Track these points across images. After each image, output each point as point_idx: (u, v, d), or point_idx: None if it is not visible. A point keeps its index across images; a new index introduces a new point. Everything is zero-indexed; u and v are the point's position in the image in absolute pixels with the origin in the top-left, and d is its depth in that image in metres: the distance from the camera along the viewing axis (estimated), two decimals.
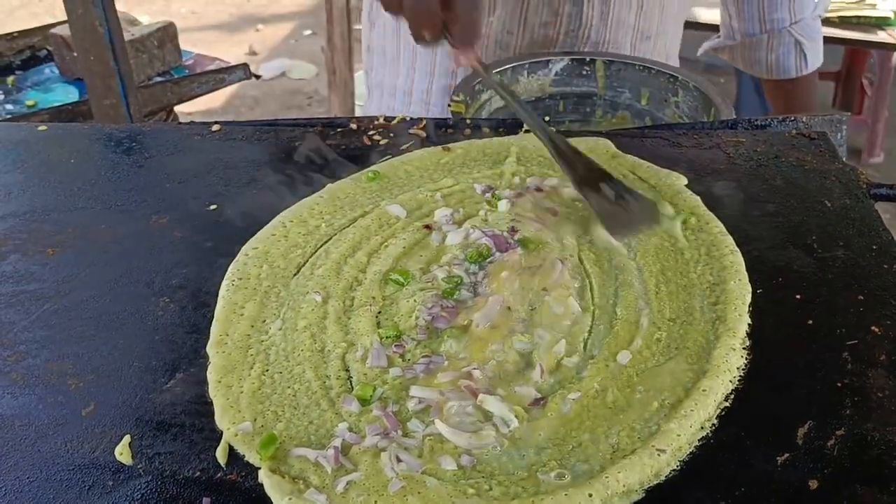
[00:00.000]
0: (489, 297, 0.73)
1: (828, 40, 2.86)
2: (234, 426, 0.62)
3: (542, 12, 1.32)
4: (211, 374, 0.67)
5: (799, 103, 1.55)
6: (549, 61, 1.30)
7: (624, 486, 0.56)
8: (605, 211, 0.81)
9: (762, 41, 1.51)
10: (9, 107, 2.01)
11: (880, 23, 2.74)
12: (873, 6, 2.78)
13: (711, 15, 2.64)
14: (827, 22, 2.79)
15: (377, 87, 1.51)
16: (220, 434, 0.62)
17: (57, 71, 2.18)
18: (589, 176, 0.83)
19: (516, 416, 0.62)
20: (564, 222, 0.84)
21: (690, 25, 2.89)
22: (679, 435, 0.59)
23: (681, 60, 1.51)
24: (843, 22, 2.77)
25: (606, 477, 0.56)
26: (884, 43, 2.76)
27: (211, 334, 0.71)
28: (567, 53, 1.32)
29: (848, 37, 2.77)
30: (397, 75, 1.46)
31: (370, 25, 1.51)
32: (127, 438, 0.61)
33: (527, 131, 1.02)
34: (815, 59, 1.53)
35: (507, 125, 1.04)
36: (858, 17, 2.74)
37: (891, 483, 0.56)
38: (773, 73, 1.53)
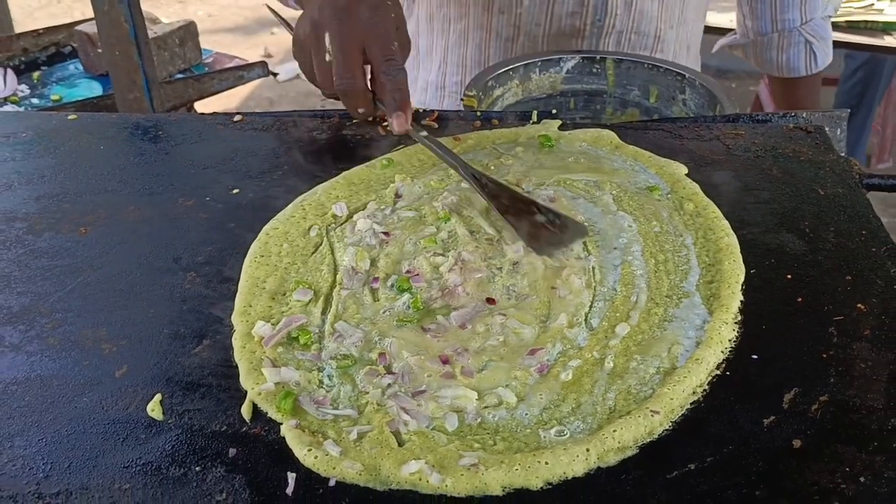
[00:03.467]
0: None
1: (835, 45, 2.89)
2: (257, 386, 0.66)
3: (568, 2, 1.35)
4: (235, 341, 0.72)
5: (803, 100, 1.59)
6: (560, 59, 1.34)
7: (619, 442, 0.60)
8: (528, 233, 0.81)
9: (773, 40, 1.55)
10: (35, 101, 2.07)
11: (887, 27, 2.77)
12: (880, 11, 2.80)
13: (721, 18, 2.67)
14: (834, 26, 2.81)
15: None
16: (245, 393, 0.66)
17: (81, 67, 2.24)
18: (514, 205, 0.84)
19: (518, 384, 0.66)
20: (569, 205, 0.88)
21: (704, 30, 2.94)
22: (672, 398, 0.63)
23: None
24: (851, 27, 2.79)
25: (603, 434, 0.60)
26: (891, 48, 2.78)
27: (235, 305, 0.76)
28: (578, 52, 1.36)
29: (855, 41, 2.79)
30: (429, 70, 1.49)
31: None
32: (158, 396, 0.66)
33: (535, 123, 1.07)
34: (825, 58, 1.57)
35: (517, 118, 1.09)
36: (866, 21, 2.76)
37: (869, 443, 0.60)
38: (784, 71, 1.57)
